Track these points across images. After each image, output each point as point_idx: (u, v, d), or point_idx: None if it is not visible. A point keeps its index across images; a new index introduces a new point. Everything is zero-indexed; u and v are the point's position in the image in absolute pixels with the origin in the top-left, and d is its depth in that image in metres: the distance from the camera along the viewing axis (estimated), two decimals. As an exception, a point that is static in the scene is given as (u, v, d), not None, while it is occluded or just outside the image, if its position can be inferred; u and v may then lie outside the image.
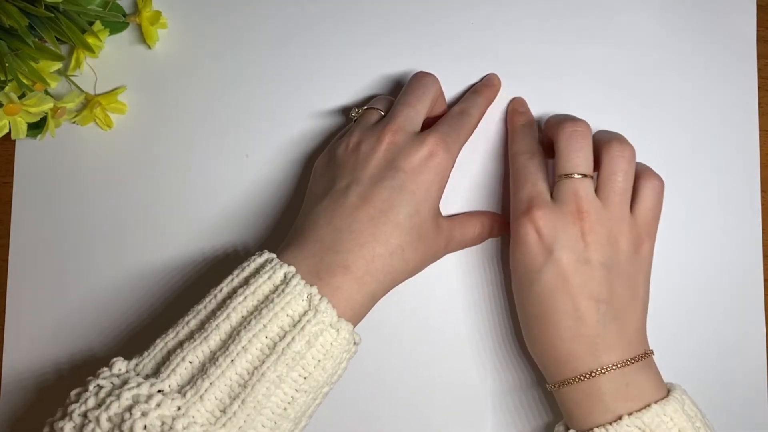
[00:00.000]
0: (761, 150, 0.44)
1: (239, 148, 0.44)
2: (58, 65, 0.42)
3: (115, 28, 0.45)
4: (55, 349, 0.44)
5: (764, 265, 0.44)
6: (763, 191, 0.44)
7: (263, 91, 0.45)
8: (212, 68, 0.45)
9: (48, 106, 0.41)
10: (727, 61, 0.45)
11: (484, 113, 0.42)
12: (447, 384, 0.43)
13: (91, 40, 0.42)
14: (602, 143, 0.39)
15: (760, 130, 0.44)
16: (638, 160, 0.44)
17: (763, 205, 0.44)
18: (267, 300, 0.34)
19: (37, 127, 0.43)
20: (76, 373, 0.43)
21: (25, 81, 0.40)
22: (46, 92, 0.43)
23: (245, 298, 0.34)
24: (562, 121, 0.39)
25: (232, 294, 0.35)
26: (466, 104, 0.41)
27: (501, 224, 0.42)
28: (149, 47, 0.45)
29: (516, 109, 0.43)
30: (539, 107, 0.44)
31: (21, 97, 0.41)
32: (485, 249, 0.43)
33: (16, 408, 0.43)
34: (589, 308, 0.36)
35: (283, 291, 0.34)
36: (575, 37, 0.45)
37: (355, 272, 0.35)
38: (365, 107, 0.41)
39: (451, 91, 0.44)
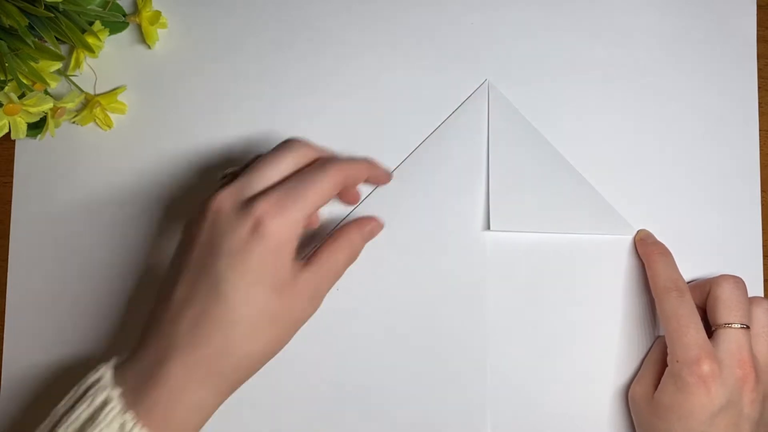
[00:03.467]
0: (761, 150, 0.44)
1: (239, 148, 0.44)
2: (58, 65, 0.42)
3: (115, 28, 0.45)
4: (55, 349, 0.44)
5: (764, 265, 0.44)
6: (763, 191, 0.44)
7: (263, 91, 0.45)
8: (212, 68, 0.45)
9: (48, 106, 0.41)
10: (727, 61, 0.45)
11: (359, 180, 0.37)
12: (447, 384, 0.43)
13: (91, 40, 0.42)
14: (751, 300, 0.40)
15: (760, 130, 0.44)
16: (639, 160, 0.44)
17: (763, 205, 0.44)
18: (82, 431, 0.32)
19: (36, 127, 0.43)
20: (76, 373, 0.43)
21: (24, 81, 0.40)
22: (46, 92, 0.43)
23: (67, 428, 0.32)
24: (725, 275, 0.40)
25: (60, 419, 0.33)
26: (341, 157, 0.36)
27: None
28: (149, 47, 0.45)
29: (645, 239, 0.42)
30: (539, 108, 0.44)
31: (21, 97, 0.41)
32: (489, 251, 0.43)
33: (15, 408, 0.43)
34: None
35: (96, 419, 0.32)
36: (575, 37, 0.45)
37: (174, 383, 0.32)
38: (231, 171, 0.37)
39: (451, 94, 0.44)
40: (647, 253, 0.42)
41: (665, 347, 0.39)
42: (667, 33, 0.45)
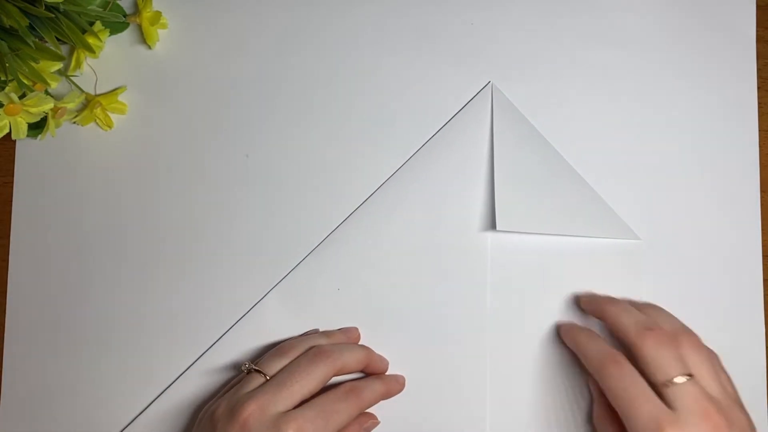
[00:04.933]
0: (761, 150, 0.44)
1: (239, 148, 0.44)
2: (58, 65, 0.42)
3: (115, 28, 0.45)
4: (55, 349, 0.44)
5: (764, 265, 0.44)
6: (763, 191, 0.44)
7: (263, 91, 0.45)
8: (212, 68, 0.45)
9: (48, 106, 0.41)
10: (727, 61, 0.45)
11: (375, 402, 0.40)
12: (447, 383, 0.43)
13: (91, 40, 0.42)
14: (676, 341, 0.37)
15: (760, 130, 0.44)
16: (640, 161, 0.44)
17: (763, 205, 0.44)
18: None
19: (37, 127, 0.43)
20: (76, 373, 0.43)
21: (25, 81, 0.40)
22: (47, 92, 0.43)
23: None
24: (632, 325, 0.37)
25: None
26: (361, 384, 0.39)
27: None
28: (149, 47, 0.45)
29: (568, 328, 0.41)
30: (540, 108, 0.44)
31: (21, 97, 0.41)
32: (490, 252, 0.43)
33: (16, 408, 0.43)
34: None
35: None
36: (575, 38, 0.45)
37: None
38: (253, 366, 0.39)
39: (454, 95, 0.44)
40: (573, 338, 0.41)
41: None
42: (667, 33, 0.45)
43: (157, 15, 0.44)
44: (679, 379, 0.35)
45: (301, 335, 0.42)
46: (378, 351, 0.42)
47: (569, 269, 0.43)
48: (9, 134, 0.42)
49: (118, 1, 0.45)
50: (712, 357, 0.38)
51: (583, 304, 0.42)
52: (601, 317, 0.40)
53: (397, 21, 0.45)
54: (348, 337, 0.42)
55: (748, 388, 0.43)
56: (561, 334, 0.42)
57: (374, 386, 0.40)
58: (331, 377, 0.39)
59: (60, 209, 0.44)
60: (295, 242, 0.44)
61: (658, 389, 0.36)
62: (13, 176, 0.45)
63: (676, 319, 0.39)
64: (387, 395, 0.41)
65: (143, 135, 0.45)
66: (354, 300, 0.43)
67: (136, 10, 0.44)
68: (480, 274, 0.43)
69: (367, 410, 0.40)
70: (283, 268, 0.43)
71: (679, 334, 0.37)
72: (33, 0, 0.37)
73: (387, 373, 0.42)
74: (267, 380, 0.38)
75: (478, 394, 0.42)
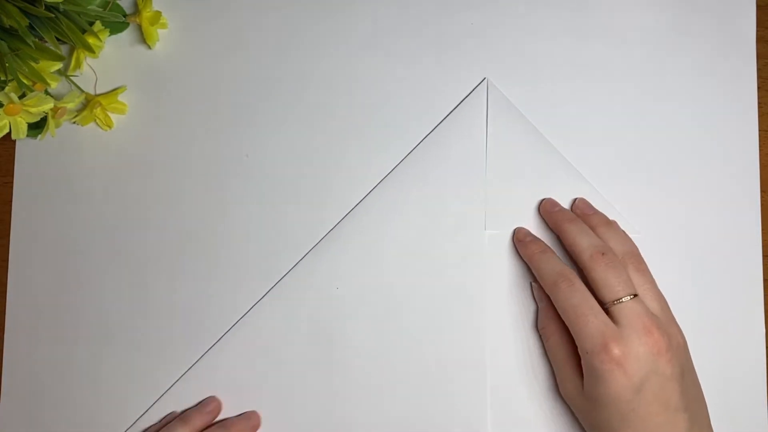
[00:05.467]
0: (761, 150, 0.44)
1: (239, 148, 0.44)
2: (58, 65, 0.42)
3: (115, 28, 0.45)
4: (55, 349, 0.44)
5: (764, 265, 0.44)
6: (762, 191, 0.44)
7: (263, 91, 0.45)
8: (212, 68, 0.45)
9: (48, 106, 0.41)
10: (727, 61, 0.45)
11: None
12: (447, 384, 0.43)
13: (91, 40, 0.42)
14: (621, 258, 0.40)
15: (760, 130, 0.44)
16: (639, 160, 0.44)
17: (762, 205, 0.44)
18: None
19: (37, 127, 0.43)
20: (76, 373, 0.43)
21: (25, 81, 0.40)
22: (47, 92, 0.43)
23: None
24: (586, 249, 0.39)
25: None
26: None
27: None
28: (149, 47, 0.45)
29: (523, 240, 0.43)
30: (539, 108, 0.44)
31: (21, 97, 0.41)
32: (487, 251, 0.43)
33: (17, 408, 0.43)
34: (681, 421, 0.37)
35: None
36: (575, 37, 0.45)
37: None
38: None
39: (451, 93, 0.44)
40: (528, 254, 0.42)
41: (565, 340, 0.40)
42: (666, 33, 0.45)
43: (157, 15, 0.44)
44: (626, 299, 0.38)
45: (162, 422, 0.43)
46: (377, 351, 0.42)
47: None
48: (9, 134, 0.42)
49: (118, 1, 0.45)
50: (653, 279, 0.40)
51: (543, 212, 0.43)
52: (558, 233, 0.42)
53: (397, 21, 0.45)
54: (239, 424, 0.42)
55: (747, 388, 0.43)
56: (517, 246, 0.43)
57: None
58: None
59: (60, 209, 0.44)
60: (295, 242, 0.44)
61: (605, 307, 0.38)
62: (13, 176, 0.45)
63: (628, 239, 0.41)
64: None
65: (143, 135, 0.45)
66: (353, 299, 0.43)
67: (136, 10, 0.44)
68: (478, 272, 0.43)
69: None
70: (282, 267, 0.43)
71: (628, 257, 0.40)
72: (33, 0, 0.37)
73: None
74: None
75: (478, 392, 0.42)
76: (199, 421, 0.42)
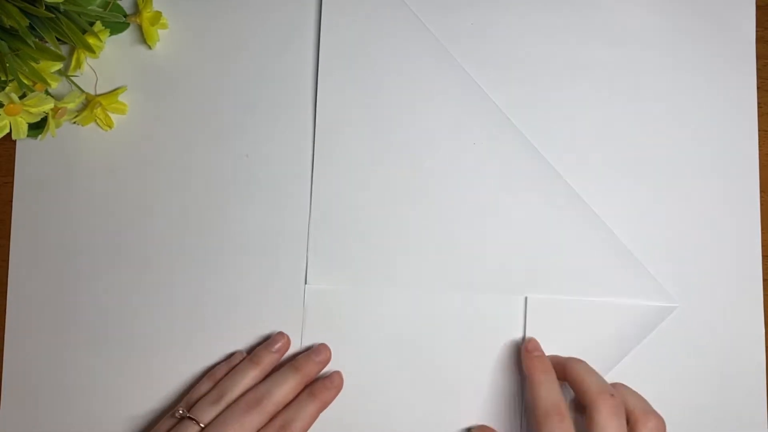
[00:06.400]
0: (761, 150, 0.44)
1: (239, 148, 0.44)
2: (58, 65, 0.42)
3: (115, 28, 0.45)
4: (55, 349, 0.44)
5: (764, 265, 0.44)
6: (762, 191, 0.44)
7: (263, 90, 0.45)
8: (212, 68, 0.45)
9: (48, 106, 0.41)
10: (727, 61, 0.45)
11: (323, 409, 0.41)
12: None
13: (91, 40, 0.43)
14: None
15: (760, 130, 0.44)
16: (639, 160, 0.44)
17: (762, 205, 0.44)
18: None
19: (37, 128, 0.43)
20: (76, 373, 0.43)
21: (25, 81, 0.41)
22: (47, 92, 0.43)
23: None
24: (604, 393, 0.37)
25: None
26: (291, 415, 0.40)
27: None
28: (150, 47, 0.45)
29: (531, 351, 0.41)
30: (539, 108, 0.44)
31: (22, 97, 0.41)
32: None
33: (17, 408, 0.43)
34: None
35: None
36: (575, 37, 0.45)
37: None
38: (187, 413, 0.40)
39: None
40: (531, 370, 0.40)
41: None
42: (666, 33, 0.45)
43: (157, 15, 0.44)
44: None
45: (230, 362, 0.42)
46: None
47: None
48: (9, 134, 0.42)
49: (118, 1, 0.45)
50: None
51: (546, 361, 0.41)
52: (563, 371, 0.40)
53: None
54: (311, 359, 0.42)
55: (748, 388, 0.43)
56: (523, 355, 0.42)
57: (306, 411, 0.40)
58: (264, 423, 0.39)
59: (60, 209, 0.44)
60: (295, 241, 0.44)
61: None
62: (13, 176, 0.45)
63: (641, 398, 0.39)
64: (323, 408, 0.41)
65: (143, 135, 0.45)
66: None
67: (136, 10, 0.44)
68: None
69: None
70: (282, 266, 0.43)
71: (641, 414, 0.38)
72: (33, 0, 0.37)
73: (322, 378, 0.42)
74: (201, 429, 0.39)
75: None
76: (268, 360, 0.41)
